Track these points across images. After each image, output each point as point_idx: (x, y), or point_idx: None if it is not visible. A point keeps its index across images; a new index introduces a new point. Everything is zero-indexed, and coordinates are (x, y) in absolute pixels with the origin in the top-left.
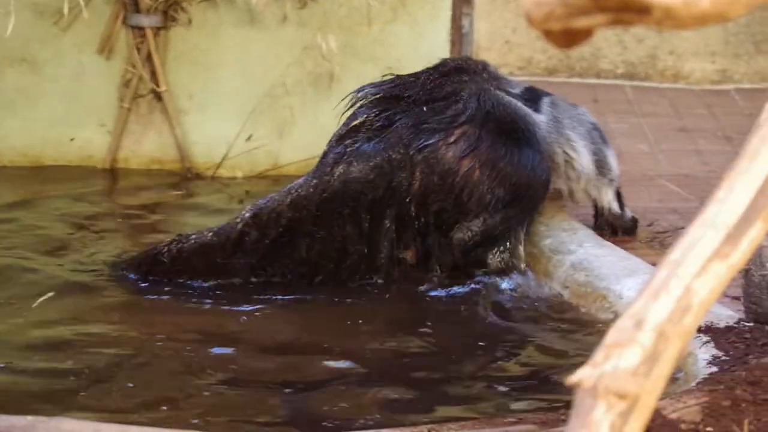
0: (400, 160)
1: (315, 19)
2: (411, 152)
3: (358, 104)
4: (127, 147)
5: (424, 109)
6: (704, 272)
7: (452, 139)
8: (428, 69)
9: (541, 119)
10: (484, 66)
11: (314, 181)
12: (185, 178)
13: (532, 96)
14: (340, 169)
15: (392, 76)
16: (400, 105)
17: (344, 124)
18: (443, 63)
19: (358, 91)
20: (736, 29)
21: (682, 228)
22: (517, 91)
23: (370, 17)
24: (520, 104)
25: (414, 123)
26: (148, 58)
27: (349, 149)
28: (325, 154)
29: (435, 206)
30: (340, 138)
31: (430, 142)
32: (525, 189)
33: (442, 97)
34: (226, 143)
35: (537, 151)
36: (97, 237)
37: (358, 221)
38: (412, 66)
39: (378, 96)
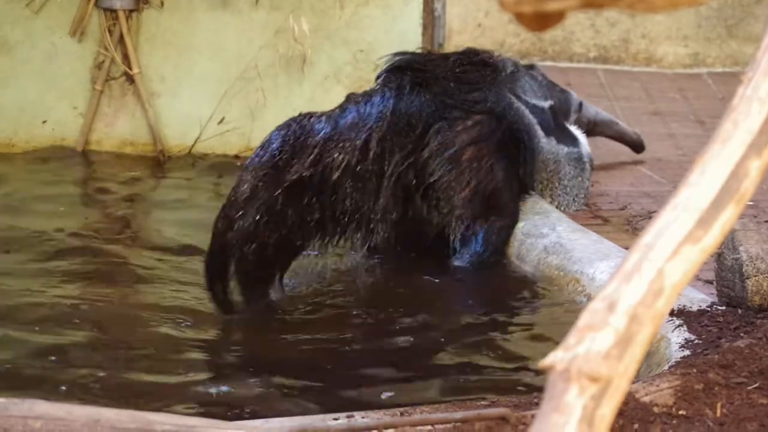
0: (423, 122)
1: (287, 3)
2: (431, 120)
3: (392, 66)
4: (99, 129)
5: (452, 85)
6: (676, 256)
7: (470, 123)
8: (458, 53)
9: (542, 136)
10: (515, 66)
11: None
12: (157, 160)
13: (559, 122)
14: (389, 104)
15: (426, 51)
16: (430, 75)
17: (384, 74)
18: (472, 51)
19: (396, 55)
20: (708, 13)
21: (655, 212)
22: (536, 102)
23: (342, 0)
24: (527, 113)
25: (442, 93)
26: (121, 40)
27: (394, 93)
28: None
29: (431, 178)
30: (383, 80)
31: (451, 116)
32: (507, 198)
33: (466, 82)
34: (198, 125)
35: (530, 163)
36: (71, 219)
37: (382, 163)
38: (384, 49)
39: (413, 61)
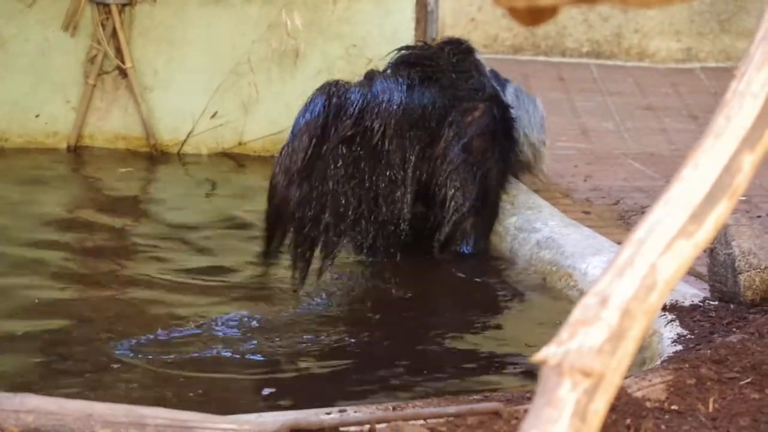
0: (437, 115)
1: None
2: (443, 113)
3: (401, 60)
4: (92, 123)
5: (454, 76)
6: (669, 250)
7: (477, 113)
8: (447, 43)
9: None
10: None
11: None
12: (150, 154)
13: (498, 82)
14: (398, 97)
15: (422, 43)
16: (437, 68)
17: (392, 66)
18: (456, 40)
19: (400, 50)
20: (701, 8)
21: (647, 206)
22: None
23: None
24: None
25: (450, 86)
26: (113, 34)
27: (401, 85)
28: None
29: (450, 166)
30: (392, 70)
31: (461, 108)
32: (497, 192)
33: (462, 71)
34: (191, 120)
35: (517, 143)
36: (60, 217)
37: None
38: (377, 44)
39: (421, 56)
